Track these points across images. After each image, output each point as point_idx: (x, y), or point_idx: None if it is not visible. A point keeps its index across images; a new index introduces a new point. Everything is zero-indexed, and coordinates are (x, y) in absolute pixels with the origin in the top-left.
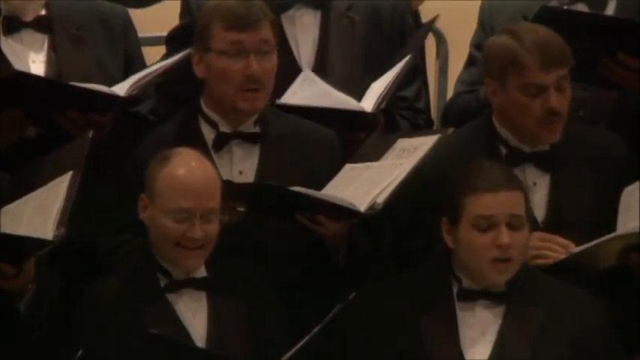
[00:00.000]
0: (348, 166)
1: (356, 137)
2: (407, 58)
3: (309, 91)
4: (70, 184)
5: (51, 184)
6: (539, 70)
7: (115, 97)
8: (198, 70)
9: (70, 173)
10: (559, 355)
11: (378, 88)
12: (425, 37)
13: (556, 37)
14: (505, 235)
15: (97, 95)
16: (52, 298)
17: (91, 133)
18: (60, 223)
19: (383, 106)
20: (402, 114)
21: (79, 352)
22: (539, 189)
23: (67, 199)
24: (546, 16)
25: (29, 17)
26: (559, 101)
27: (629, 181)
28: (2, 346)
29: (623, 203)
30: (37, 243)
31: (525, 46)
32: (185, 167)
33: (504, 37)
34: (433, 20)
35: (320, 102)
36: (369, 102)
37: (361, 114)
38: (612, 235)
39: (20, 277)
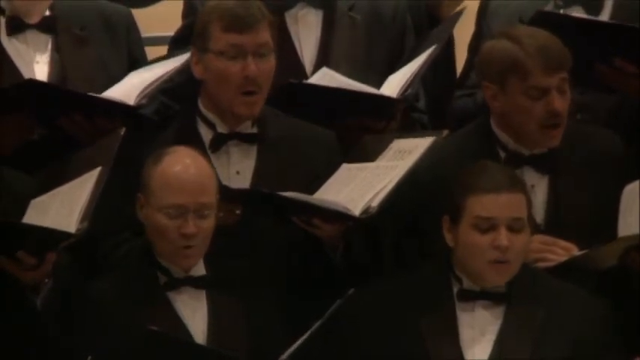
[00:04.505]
0: (344, 166)
1: (375, 125)
2: (432, 48)
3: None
4: (98, 179)
5: (80, 179)
6: (542, 74)
7: (125, 107)
8: (197, 71)
9: (98, 169)
10: (559, 355)
11: (399, 78)
12: (451, 29)
13: (555, 40)
14: (504, 237)
15: (107, 104)
16: (69, 294)
17: (122, 131)
18: (84, 217)
19: (408, 93)
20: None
21: (89, 358)
22: (538, 191)
23: (93, 195)
24: (542, 21)
25: (34, 19)
26: (561, 103)
27: (629, 181)
28: (17, 340)
29: (623, 202)
30: (60, 235)
31: (527, 51)
32: (177, 164)
33: (503, 42)
34: (459, 13)
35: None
36: (390, 91)
37: (387, 99)
38: (615, 239)
39: (40, 269)
